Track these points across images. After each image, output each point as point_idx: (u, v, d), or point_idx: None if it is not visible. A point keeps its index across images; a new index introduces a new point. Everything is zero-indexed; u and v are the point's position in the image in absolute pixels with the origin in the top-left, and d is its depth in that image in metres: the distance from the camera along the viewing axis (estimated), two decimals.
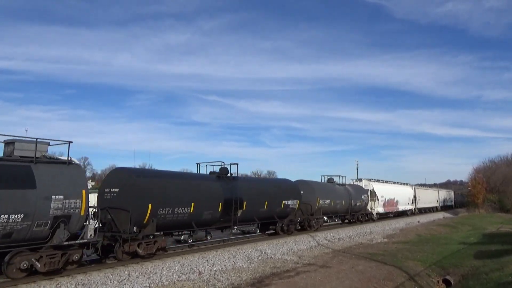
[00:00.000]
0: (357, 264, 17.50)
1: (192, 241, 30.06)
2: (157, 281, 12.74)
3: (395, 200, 44.03)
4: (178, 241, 33.97)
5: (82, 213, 12.30)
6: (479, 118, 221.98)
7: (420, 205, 54.32)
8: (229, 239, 24.21)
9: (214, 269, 14.93)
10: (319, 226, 27.78)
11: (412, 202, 50.91)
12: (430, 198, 60.88)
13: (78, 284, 11.34)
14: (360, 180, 39.46)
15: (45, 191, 11.38)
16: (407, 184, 52.38)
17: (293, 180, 27.01)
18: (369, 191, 37.19)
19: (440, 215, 56.33)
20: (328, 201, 28.26)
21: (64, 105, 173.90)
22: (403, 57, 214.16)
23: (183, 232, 18.28)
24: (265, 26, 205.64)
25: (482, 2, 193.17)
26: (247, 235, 27.16)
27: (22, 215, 10.82)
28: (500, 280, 13.88)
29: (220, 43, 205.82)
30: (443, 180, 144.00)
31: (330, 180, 32.06)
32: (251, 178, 27.10)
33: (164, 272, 13.50)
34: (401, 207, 46.18)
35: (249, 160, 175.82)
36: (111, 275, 12.46)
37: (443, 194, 70.93)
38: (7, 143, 12.11)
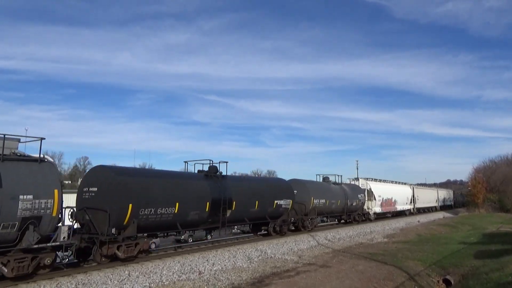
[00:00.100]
0: (357, 264, 17.49)
1: (192, 241, 30.03)
2: (157, 280, 12.76)
3: (393, 200, 43.35)
4: (178, 241, 34.01)
5: (54, 214, 11.58)
6: (479, 118, 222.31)
7: (419, 205, 53.70)
8: (229, 239, 24.25)
9: (214, 268, 14.93)
10: (314, 226, 27.12)
11: (411, 202, 50.24)
12: (429, 197, 60.33)
13: (78, 284, 11.35)
14: (357, 179, 38.64)
15: (12, 191, 10.68)
16: (405, 184, 51.65)
17: None
18: (366, 191, 36.54)
19: (440, 214, 56.23)
20: (323, 200, 27.57)
21: (64, 105, 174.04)
22: (403, 57, 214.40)
23: (168, 234, 17.46)
24: (265, 26, 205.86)
25: (482, 2, 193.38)
26: (247, 234, 27.05)
27: None
28: (500, 280, 13.84)
29: (220, 43, 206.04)
30: (443, 180, 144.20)
31: (325, 179, 31.32)
32: (241, 177, 26.29)
33: (164, 272, 13.51)
34: (399, 207, 45.47)
35: (249, 160, 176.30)
36: (111, 274, 12.49)
37: (442, 193, 70.57)
38: None
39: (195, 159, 19.77)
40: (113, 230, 13.49)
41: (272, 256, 18.26)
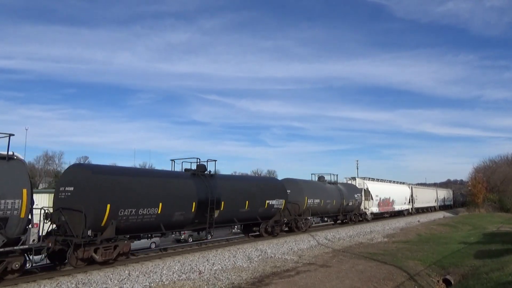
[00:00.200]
0: (357, 263, 17.51)
1: (193, 241, 29.96)
2: (157, 280, 12.77)
3: (391, 200, 42.56)
4: (178, 241, 34.01)
5: (22, 215, 10.87)
6: (479, 118, 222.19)
7: (418, 204, 52.81)
8: (229, 239, 24.22)
9: (214, 268, 14.94)
10: (308, 227, 26.40)
11: (409, 202, 49.39)
12: (428, 197, 59.62)
13: (78, 283, 11.36)
14: (354, 178, 37.72)
15: None
16: (403, 183, 50.78)
17: None
18: (363, 190, 35.66)
19: (440, 214, 56.16)
20: (317, 200, 26.80)
21: (64, 105, 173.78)
22: (404, 56, 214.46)
23: (152, 235, 16.64)
24: (265, 25, 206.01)
25: (483, 1, 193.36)
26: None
27: None
28: (501, 280, 13.77)
29: (220, 42, 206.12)
30: (444, 180, 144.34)
31: (320, 178, 30.49)
32: (231, 176, 25.14)
33: (164, 272, 13.52)
34: (397, 207, 44.70)
35: (250, 159, 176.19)
36: (111, 274, 12.50)
37: (442, 193, 70.08)
38: None
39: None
40: (89, 232, 12.78)
41: (272, 255, 18.26)
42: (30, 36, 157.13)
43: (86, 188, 13.15)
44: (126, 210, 13.83)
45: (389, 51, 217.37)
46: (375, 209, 37.89)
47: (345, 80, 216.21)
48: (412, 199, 50.25)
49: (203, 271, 14.41)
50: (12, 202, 10.74)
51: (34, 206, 11.84)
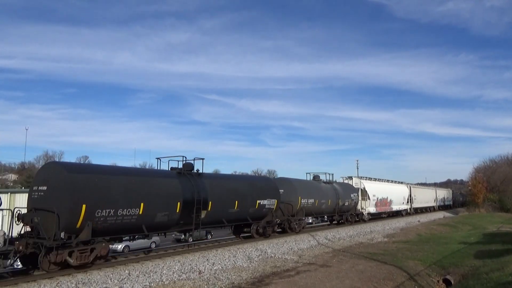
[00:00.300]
0: (357, 263, 17.51)
1: (193, 240, 29.90)
2: (157, 280, 12.76)
3: (389, 200, 41.76)
4: (178, 240, 34.02)
5: None
6: (479, 118, 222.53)
7: (416, 204, 52.13)
8: (229, 239, 24.22)
9: (215, 268, 14.93)
10: (302, 228, 25.63)
11: (407, 202, 48.66)
12: (427, 197, 58.97)
13: (78, 283, 11.36)
14: (351, 178, 36.75)
15: None
16: (402, 183, 49.91)
17: None
18: (360, 190, 34.99)
19: (440, 214, 56.09)
20: (311, 200, 25.94)
21: (65, 104, 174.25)
22: (404, 56, 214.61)
23: (135, 237, 15.84)
24: (265, 25, 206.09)
25: (483, 1, 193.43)
26: (246, 234, 26.90)
27: None
28: (501, 280, 13.75)
29: (220, 42, 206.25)
30: (444, 180, 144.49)
31: (315, 178, 29.66)
32: (219, 175, 24.15)
33: (164, 271, 13.50)
34: (395, 207, 43.95)
35: (250, 159, 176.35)
36: (112, 274, 12.49)
37: (441, 193, 69.66)
38: None
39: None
40: (62, 234, 12.09)
41: (272, 255, 18.26)
42: (30, 36, 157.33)
43: (60, 188, 12.47)
44: (104, 211, 13.10)
45: (389, 51, 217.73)
46: (372, 209, 37.15)
47: (345, 80, 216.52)
48: (410, 199, 49.65)
49: (203, 271, 14.40)
50: None
51: (0, 207, 11.25)
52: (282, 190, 23.66)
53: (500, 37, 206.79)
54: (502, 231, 34.80)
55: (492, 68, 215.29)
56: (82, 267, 12.80)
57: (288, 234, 23.87)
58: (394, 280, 15.70)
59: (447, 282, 16.80)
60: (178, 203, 15.94)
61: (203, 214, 17.19)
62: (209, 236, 35.35)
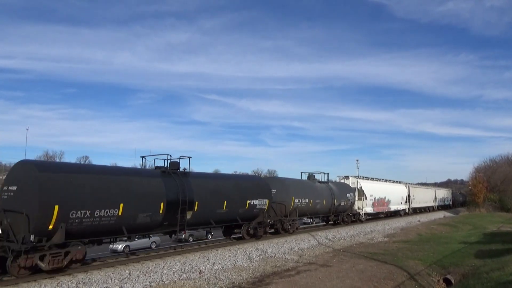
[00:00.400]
0: (357, 263, 17.52)
1: (193, 240, 29.92)
2: (157, 280, 12.77)
3: (386, 200, 40.90)
4: (179, 240, 34.01)
5: None
6: (480, 118, 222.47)
7: (415, 204, 51.31)
8: (229, 238, 24.19)
9: (215, 268, 14.93)
10: (295, 228, 24.87)
11: (406, 202, 47.79)
12: (425, 197, 57.94)
13: (79, 283, 11.35)
14: (347, 177, 35.66)
15: None
16: (400, 182, 48.93)
17: None
18: (356, 190, 34.00)
19: (441, 214, 55.96)
20: (305, 200, 25.11)
21: (65, 104, 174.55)
22: (404, 56, 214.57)
23: (116, 239, 15.01)
24: (265, 25, 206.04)
25: (483, 1, 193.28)
26: None
27: None
28: (501, 280, 13.77)
29: (220, 42, 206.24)
30: (444, 179, 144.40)
31: (310, 177, 28.82)
32: (207, 174, 23.57)
33: (164, 271, 13.50)
34: (393, 207, 43.06)
35: (250, 159, 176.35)
36: (112, 274, 12.49)
37: (441, 193, 69.13)
38: None
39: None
40: (32, 237, 11.33)
41: (273, 255, 18.26)
42: (30, 36, 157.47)
43: (30, 187, 11.79)
44: (79, 212, 12.35)
45: (389, 51, 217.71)
46: (369, 209, 36.42)
47: (345, 80, 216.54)
48: (409, 199, 48.91)
49: (204, 270, 14.40)
50: None
51: None
52: (275, 190, 23.03)
53: (500, 37, 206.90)
54: (502, 231, 34.74)
55: (492, 68, 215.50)
56: (55, 271, 12.11)
57: (289, 234, 23.70)
58: (395, 279, 15.71)
59: (447, 281, 16.82)
60: (162, 204, 15.23)
61: (188, 215, 16.51)
62: (210, 236, 35.34)
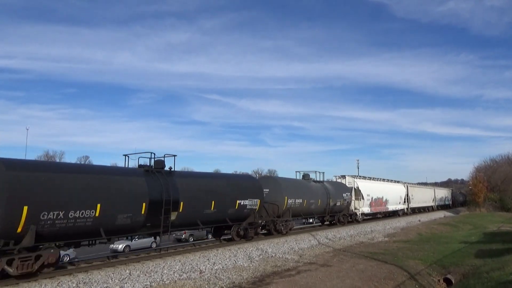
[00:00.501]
0: (358, 263, 17.53)
1: (193, 240, 29.92)
2: (158, 279, 12.77)
3: (384, 199, 39.94)
4: (179, 240, 34.07)
5: None
6: (480, 117, 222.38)
7: (414, 204, 50.57)
8: (230, 238, 24.19)
9: (215, 268, 14.94)
10: (289, 229, 24.19)
11: (404, 202, 47.01)
12: (425, 197, 57.25)
13: (79, 283, 11.35)
14: (343, 177, 34.68)
15: None
16: (398, 182, 47.88)
17: None
18: (353, 189, 33.26)
19: (441, 214, 55.89)
20: (299, 200, 24.36)
21: (65, 104, 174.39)
22: (404, 56, 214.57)
23: (95, 242, 14.20)
24: (265, 25, 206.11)
25: (483, 1, 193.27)
26: None
27: None
28: (501, 279, 13.76)
29: (221, 42, 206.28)
30: (444, 179, 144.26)
31: (305, 176, 28.07)
32: (193, 173, 22.57)
33: (165, 271, 13.51)
34: (391, 207, 42.21)
35: (250, 159, 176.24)
36: (112, 273, 12.49)
37: (440, 192, 68.99)
38: None
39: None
40: None
41: (273, 255, 18.27)
42: (30, 36, 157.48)
43: None
44: (51, 213, 11.57)
45: (389, 51, 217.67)
46: (366, 209, 35.65)
47: (345, 80, 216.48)
48: (407, 199, 48.26)
49: (204, 270, 14.40)
50: None
51: None
52: (267, 190, 22.43)
53: (500, 37, 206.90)
54: (502, 231, 34.67)
55: (493, 68, 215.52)
56: (25, 276, 11.44)
57: (289, 234, 23.54)
58: (395, 279, 15.72)
59: (447, 281, 16.82)
60: (144, 204, 14.50)
61: (173, 215, 15.77)
62: (210, 236, 35.39)
